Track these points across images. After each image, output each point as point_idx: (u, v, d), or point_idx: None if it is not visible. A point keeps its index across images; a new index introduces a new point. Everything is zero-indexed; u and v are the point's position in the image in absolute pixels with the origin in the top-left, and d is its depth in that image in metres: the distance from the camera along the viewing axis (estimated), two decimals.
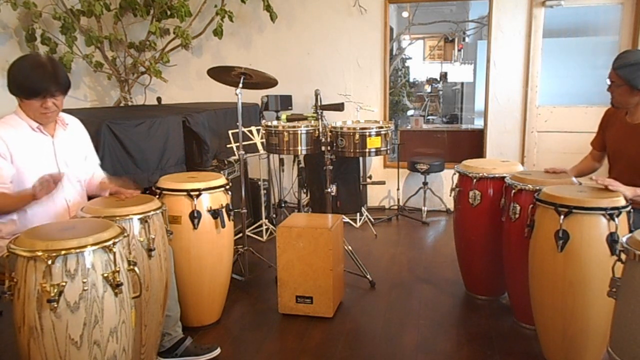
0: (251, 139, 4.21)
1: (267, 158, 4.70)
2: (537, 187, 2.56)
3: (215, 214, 2.81)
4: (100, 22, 4.96)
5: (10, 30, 4.64)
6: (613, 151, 2.80)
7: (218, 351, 2.64)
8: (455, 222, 3.40)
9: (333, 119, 3.69)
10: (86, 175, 2.58)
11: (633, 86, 2.53)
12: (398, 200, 5.25)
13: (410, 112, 8.13)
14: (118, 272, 1.81)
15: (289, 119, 4.58)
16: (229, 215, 2.89)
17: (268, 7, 5.04)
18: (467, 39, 8.81)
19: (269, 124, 3.54)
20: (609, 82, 2.64)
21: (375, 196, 5.50)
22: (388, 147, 3.40)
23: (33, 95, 2.25)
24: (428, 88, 9.16)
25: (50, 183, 2.18)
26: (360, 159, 4.74)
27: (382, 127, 3.36)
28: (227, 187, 2.93)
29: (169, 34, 5.18)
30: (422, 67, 9.35)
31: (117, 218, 2.12)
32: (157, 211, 2.28)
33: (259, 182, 4.61)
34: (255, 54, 5.48)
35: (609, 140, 2.83)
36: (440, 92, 9.10)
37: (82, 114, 2.97)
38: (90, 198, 2.52)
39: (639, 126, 2.64)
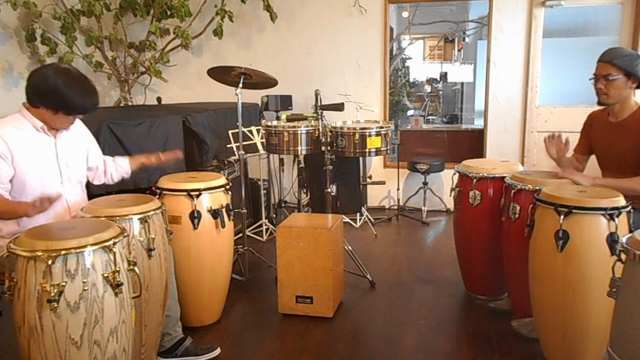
0: (251, 139, 4.21)
1: (267, 158, 4.70)
2: (537, 187, 2.56)
3: (215, 214, 2.81)
4: (100, 22, 4.96)
5: (10, 30, 4.63)
6: (602, 153, 2.80)
7: (218, 351, 2.64)
8: (455, 222, 3.40)
9: (333, 119, 3.69)
10: (89, 173, 2.60)
11: (631, 74, 2.52)
12: (398, 200, 5.25)
13: (410, 112, 8.13)
14: (118, 272, 1.81)
15: (289, 119, 4.57)
16: (229, 215, 2.89)
17: (268, 7, 5.04)
18: (467, 39, 8.82)
19: (269, 124, 3.54)
20: (596, 79, 2.62)
21: (375, 196, 5.50)
22: (388, 147, 3.40)
23: (76, 113, 2.30)
24: (428, 88, 9.16)
25: (45, 202, 2.14)
26: (360, 159, 4.74)
27: (382, 127, 3.36)
28: (227, 187, 2.93)
29: (169, 34, 5.18)
30: (422, 67, 9.35)
31: (117, 218, 2.12)
32: (157, 211, 2.28)
33: (259, 182, 4.61)
34: (255, 54, 5.48)
35: (595, 144, 2.83)
36: (440, 92, 9.10)
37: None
38: (91, 198, 2.52)
39: (622, 123, 2.65)
